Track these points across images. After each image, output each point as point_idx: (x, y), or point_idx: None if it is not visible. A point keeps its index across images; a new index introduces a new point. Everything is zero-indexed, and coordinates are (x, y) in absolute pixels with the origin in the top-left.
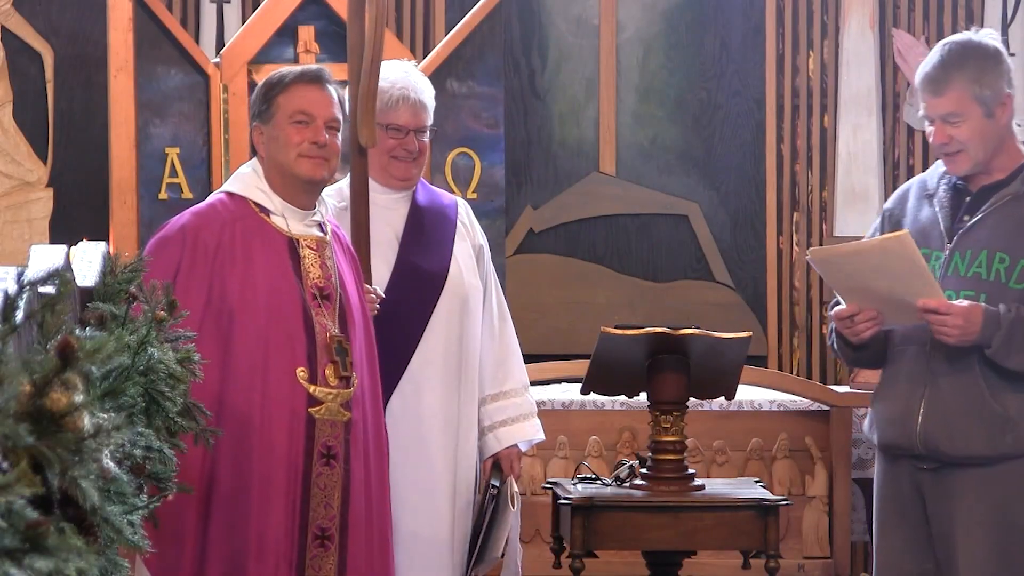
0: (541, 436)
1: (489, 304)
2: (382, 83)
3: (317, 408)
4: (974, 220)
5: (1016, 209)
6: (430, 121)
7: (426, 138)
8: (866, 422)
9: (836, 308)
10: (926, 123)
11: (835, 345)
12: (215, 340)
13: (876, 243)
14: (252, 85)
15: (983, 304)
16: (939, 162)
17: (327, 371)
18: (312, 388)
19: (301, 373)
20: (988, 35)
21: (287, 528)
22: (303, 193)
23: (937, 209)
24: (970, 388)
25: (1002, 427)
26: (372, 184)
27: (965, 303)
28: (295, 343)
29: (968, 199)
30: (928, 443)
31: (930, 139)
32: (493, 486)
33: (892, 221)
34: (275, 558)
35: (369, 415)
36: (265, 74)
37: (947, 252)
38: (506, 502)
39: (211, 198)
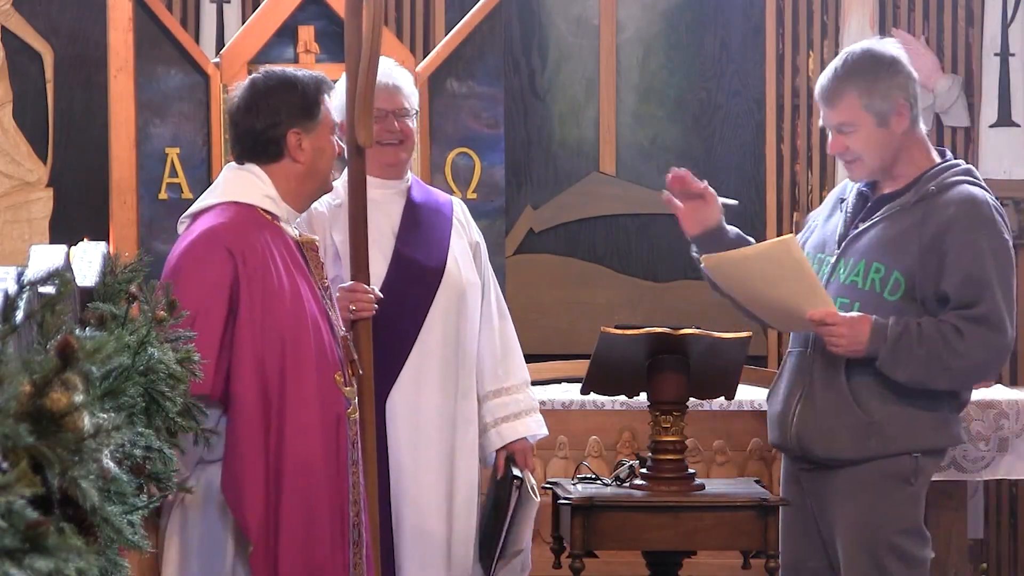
0: (544, 431)
1: (488, 301)
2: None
3: (351, 410)
4: (862, 228)
5: (901, 220)
6: (409, 105)
7: (409, 122)
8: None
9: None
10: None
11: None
12: (272, 366)
13: (762, 248)
14: None
15: (872, 316)
16: None
17: (349, 371)
18: (347, 391)
19: (339, 378)
20: (889, 44)
21: (342, 534)
22: (313, 201)
23: (841, 215)
24: (837, 392)
25: (866, 431)
26: (368, 179)
27: (854, 315)
28: (331, 349)
29: (868, 206)
30: (801, 444)
31: (828, 149)
32: (517, 479)
33: (807, 227)
34: (338, 566)
35: None
36: None
37: (834, 258)
38: (528, 494)
39: (222, 211)
